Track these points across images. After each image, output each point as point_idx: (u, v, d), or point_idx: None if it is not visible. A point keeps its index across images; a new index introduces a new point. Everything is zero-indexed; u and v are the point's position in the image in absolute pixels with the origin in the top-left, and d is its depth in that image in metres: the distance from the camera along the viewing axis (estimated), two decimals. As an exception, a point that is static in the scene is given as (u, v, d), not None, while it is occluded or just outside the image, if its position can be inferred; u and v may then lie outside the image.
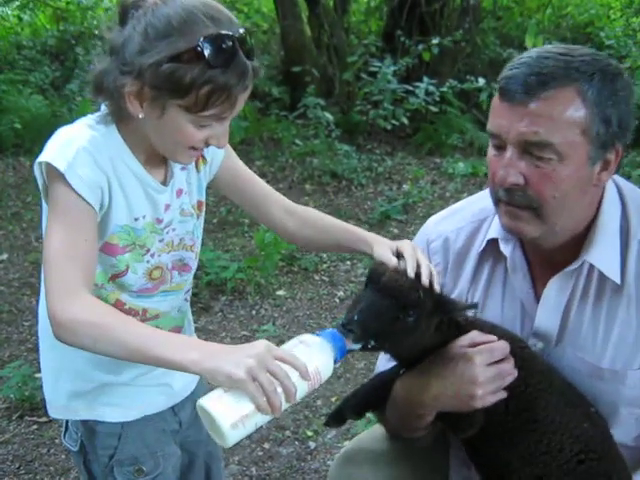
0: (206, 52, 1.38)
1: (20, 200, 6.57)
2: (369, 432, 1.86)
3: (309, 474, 3.10)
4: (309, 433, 3.36)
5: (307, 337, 1.40)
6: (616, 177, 1.63)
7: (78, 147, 1.48)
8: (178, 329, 1.78)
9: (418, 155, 7.98)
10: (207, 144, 1.54)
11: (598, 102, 1.43)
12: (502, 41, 9.51)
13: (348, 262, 5.39)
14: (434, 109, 7.58)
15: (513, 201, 1.50)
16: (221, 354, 1.32)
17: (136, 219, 1.60)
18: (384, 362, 1.80)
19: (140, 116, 1.47)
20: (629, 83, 1.51)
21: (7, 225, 6.01)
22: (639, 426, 1.64)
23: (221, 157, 1.78)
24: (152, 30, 1.41)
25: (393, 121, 7.49)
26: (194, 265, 1.76)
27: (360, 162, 7.39)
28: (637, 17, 9.12)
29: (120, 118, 1.54)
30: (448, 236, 1.76)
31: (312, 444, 3.29)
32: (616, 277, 1.55)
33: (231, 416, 1.28)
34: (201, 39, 1.39)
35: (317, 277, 5.14)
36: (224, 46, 1.40)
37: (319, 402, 3.62)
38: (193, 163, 1.72)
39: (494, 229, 1.67)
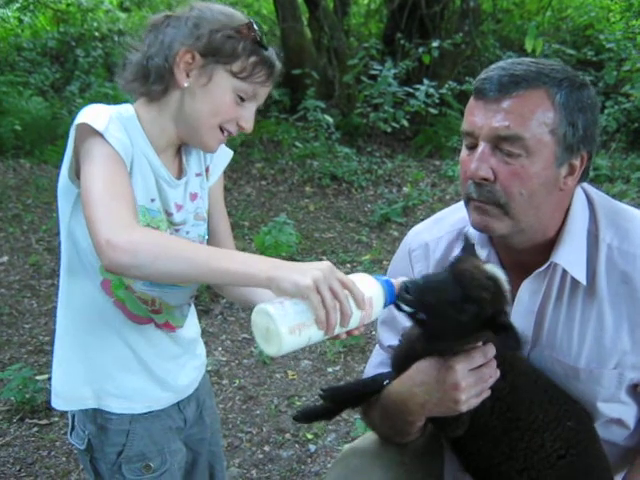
0: (256, 30, 1.61)
1: (20, 202, 6.59)
2: (364, 437, 1.89)
3: (309, 477, 3.11)
4: (309, 436, 3.37)
5: (365, 275, 1.44)
6: (585, 185, 1.70)
7: (111, 115, 1.59)
8: (175, 328, 1.80)
9: (418, 157, 8.01)
10: (237, 125, 1.66)
11: (566, 106, 1.52)
12: (502, 44, 9.55)
13: (348, 265, 5.40)
14: (434, 111, 7.62)
15: (482, 196, 1.56)
16: (287, 264, 1.37)
17: (152, 200, 1.66)
18: (372, 369, 1.86)
19: (186, 84, 1.60)
20: (595, 96, 1.60)
21: (7, 227, 6.02)
22: (620, 424, 1.69)
23: (218, 174, 1.87)
24: (203, 19, 1.61)
25: (393, 123, 7.51)
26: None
27: (360, 164, 7.42)
28: (637, 20, 9.14)
29: (150, 100, 1.65)
30: (428, 244, 1.83)
31: (312, 447, 3.30)
32: (582, 278, 1.60)
33: (290, 320, 1.30)
34: (251, 20, 1.63)
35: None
36: (264, 34, 1.64)
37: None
38: (204, 172, 1.79)
39: (470, 235, 1.71)
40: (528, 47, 7.02)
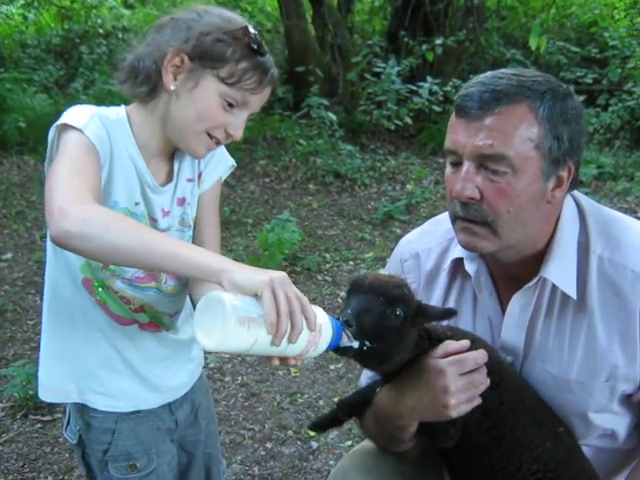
0: (251, 35, 1.56)
1: (24, 199, 6.60)
2: (362, 447, 1.87)
3: (311, 474, 3.11)
4: (311, 433, 3.36)
5: (318, 307, 1.36)
6: (575, 193, 1.67)
7: (92, 114, 1.57)
8: (160, 327, 1.79)
9: (421, 155, 8.00)
10: (226, 133, 1.63)
11: (550, 119, 1.48)
12: (506, 41, 9.52)
13: (351, 262, 5.41)
14: (438, 109, 7.61)
15: (469, 215, 1.54)
16: (243, 265, 1.33)
17: (137, 203, 1.65)
18: (366, 378, 1.85)
19: (172, 88, 1.57)
20: (579, 104, 1.57)
21: (11, 224, 6.04)
22: (614, 436, 1.67)
23: (212, 181, 1.82)
24: (197, 22, 1.59)
25: (397, 121, 7.51)
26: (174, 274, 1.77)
27: (363, 162, 7.42)
28: (641, 17, 9.12)
29: (141, 101, 1.64)
30: (419, 254, 1.81)
31: (314, 444, 3.31)
32: (572, 292, 1.58)
33: (241, 311, 1.23)
34: (247, 25, 1.58)
35: (320, 277, 5.15)
36: (262, 39, 1.60)
37: (321, 402, 3.64)
38: (196, 178, 1.76)
39: (459, 249, 1.70)
40: (532, 45, 7.00)
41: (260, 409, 3.59)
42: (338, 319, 1.39)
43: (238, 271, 1.29)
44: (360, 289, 1.46)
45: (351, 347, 1.39)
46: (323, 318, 1.34)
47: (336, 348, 1.38)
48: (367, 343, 1.40)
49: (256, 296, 1.26)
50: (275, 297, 1.24)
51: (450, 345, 1.54)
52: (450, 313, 1.53)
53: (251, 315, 1.24)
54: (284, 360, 1.35)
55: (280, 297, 1.24)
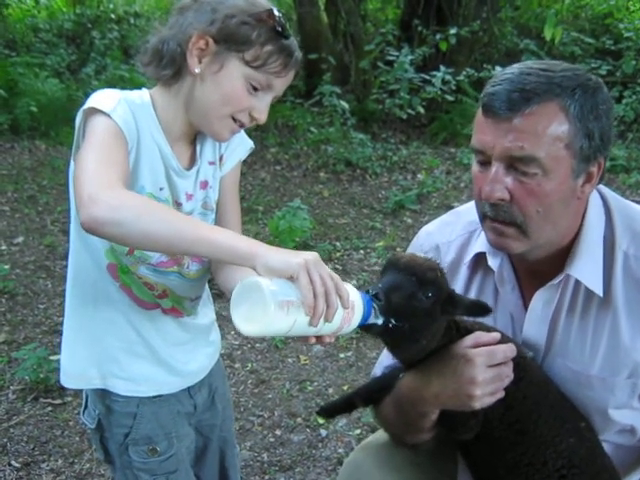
0: (276, 18, 1.56)
1: (36, 183, 6.61)
2: (374, 439, 1.87)
3: (320, 461, 3.12)
4: (320, 421, 3.37)
5: (347, 284, 1.37)
6: (601, 187, 1.64)
7: (120, 98, 1.57)
8: (182, 313, 1.80)
9: (433, 145, 7.98)
10: (250, 116, 1.62)
11: (580, 117, 1.45)
12: (519, 31, 9.46)
13: (362, 251, 5.40)
14: (450, 98, 7.57)
15: (498, 216, 1.52)
16: (273, 247, 1.33)
17: (161, 188, 1.65)
18: (381, 368, 1.83)
19: (197, 71, 1.57)
20: (609, 97, 1.53)
21: (23, 208, 6.05)
22: (633, 432, 1.66)
23: (232, 164, 1.82)
24: (222, 4, 1.57)
25: (409, 110, 7.48)
26: (205, 258, 1.77)
27: (375, 151, 7.40)
28: (657, 9, 9.05)
29: (164, 84, 1.63)
30: (439, 247, 1.80)
31: (323, 432, 3.31)
32: (598, 290, 1.56)
33: (279, 295, 1.24)
34: (272, 7, 1.57)
35: (330, 266, 5.09)
36: (286, 22, 1.59)
37: (331, 390, 3.64)
38: (218, 161, 1.76)
39: (481, 243, 1.69)
40: (547, 35, 6.94)
41: (270, 396, 3.59)
42: (368, 292, 1.40)
43: (272, 255, 1.30)
44: (394, 267, 1.46)
45: (376, 324, 1.39)
46: (355, 295, 1.35)
47: (361, 325, 1.38)
48: (392, 321, 1.40)
49: (291, 278, 1.28)
50: (311, 279, 1.26)
51: (482, 336, 1.53)
52: (482, 308, 1.50)
53: (289, 299, 1.25)
54: (319, 338, 1.36)
55: (316, 279, 1.26)
